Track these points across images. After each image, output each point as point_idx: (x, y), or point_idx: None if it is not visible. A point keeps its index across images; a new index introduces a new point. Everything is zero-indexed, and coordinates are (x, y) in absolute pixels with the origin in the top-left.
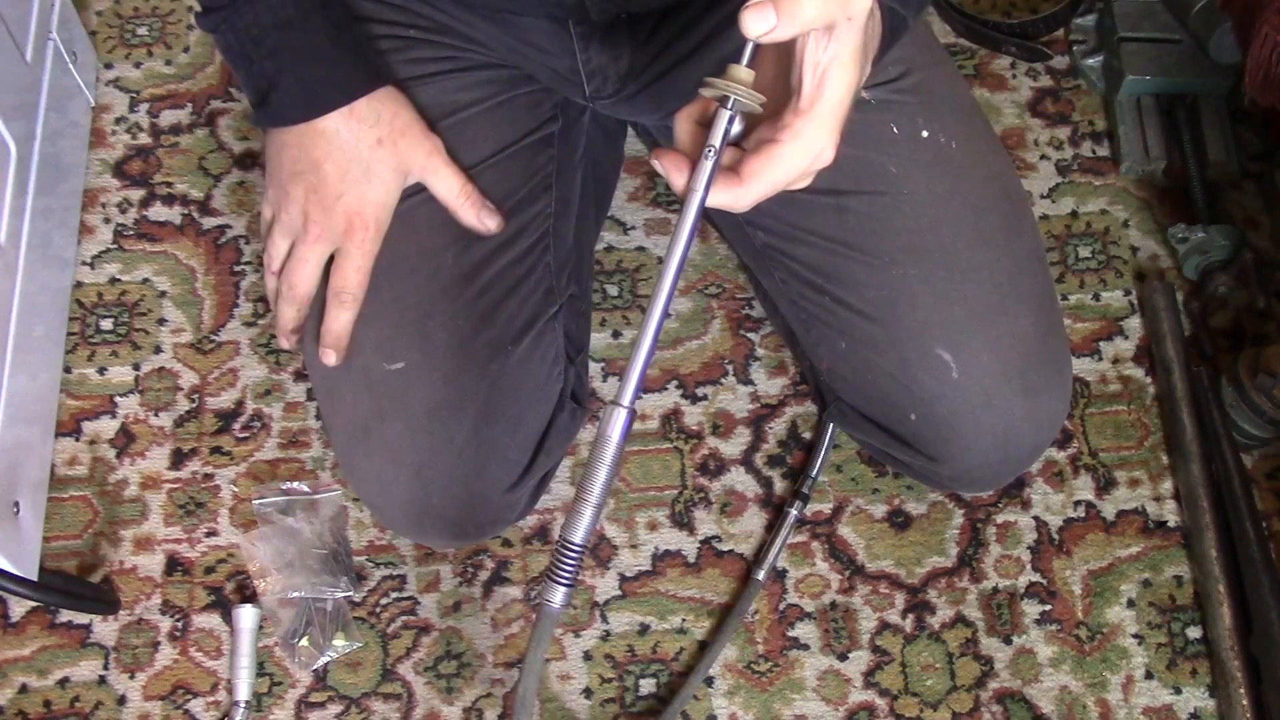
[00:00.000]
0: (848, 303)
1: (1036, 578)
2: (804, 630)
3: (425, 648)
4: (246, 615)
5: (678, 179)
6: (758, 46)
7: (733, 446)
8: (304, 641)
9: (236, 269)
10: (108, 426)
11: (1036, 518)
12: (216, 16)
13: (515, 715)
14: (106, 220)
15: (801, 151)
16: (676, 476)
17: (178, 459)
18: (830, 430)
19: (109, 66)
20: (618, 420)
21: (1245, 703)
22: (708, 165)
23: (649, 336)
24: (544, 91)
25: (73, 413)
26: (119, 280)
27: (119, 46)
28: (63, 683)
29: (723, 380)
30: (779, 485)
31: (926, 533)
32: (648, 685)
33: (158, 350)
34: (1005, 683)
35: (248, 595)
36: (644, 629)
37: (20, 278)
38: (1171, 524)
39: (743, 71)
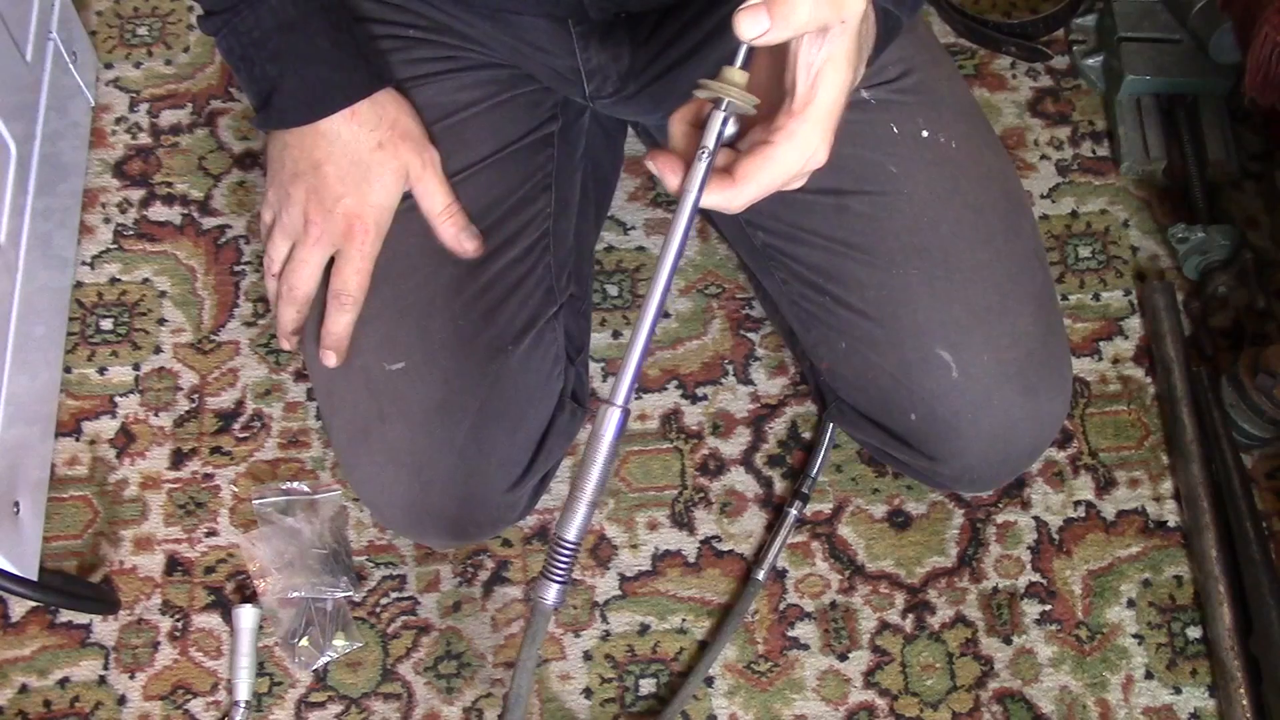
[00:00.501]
0: (848, 303)
1: (1036, 578)
2: (804, 630)
3: (425, 648)
4: (246, 615)
5: (672, 180)
6: (752, 48)
7: (733, 446)
8: (304, 641)
9: (236, 269)
10: (108, 426)
11: (1036, 518)
12: (218, 20)
13: (509, 711)
14: (106, 220)
15: (795, 153)
16: (676, 476)
17: (178, 459)
18: (830, 430)
19: (109, 66)
20: (611, 419)
21: (1245, 703)
22: (701, 166)
23: (643, 336)
24: (544, 91)
25: (73, 413)
26: (119, 280)
27: (119, 46)
28: (63, 683)
29: (723, 380)
30: (779, 485)
31: (926, 533)
32: (648, 685)
33: (158, 350)
34: (1005, 683)
35: (248, 595)
36: (644, 629)
37: (20, 278)
38: (1171, 524)
39: (736, 73)
